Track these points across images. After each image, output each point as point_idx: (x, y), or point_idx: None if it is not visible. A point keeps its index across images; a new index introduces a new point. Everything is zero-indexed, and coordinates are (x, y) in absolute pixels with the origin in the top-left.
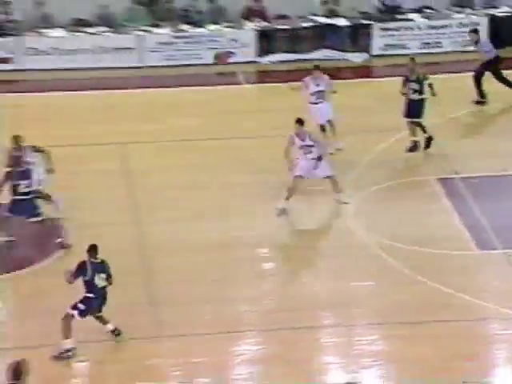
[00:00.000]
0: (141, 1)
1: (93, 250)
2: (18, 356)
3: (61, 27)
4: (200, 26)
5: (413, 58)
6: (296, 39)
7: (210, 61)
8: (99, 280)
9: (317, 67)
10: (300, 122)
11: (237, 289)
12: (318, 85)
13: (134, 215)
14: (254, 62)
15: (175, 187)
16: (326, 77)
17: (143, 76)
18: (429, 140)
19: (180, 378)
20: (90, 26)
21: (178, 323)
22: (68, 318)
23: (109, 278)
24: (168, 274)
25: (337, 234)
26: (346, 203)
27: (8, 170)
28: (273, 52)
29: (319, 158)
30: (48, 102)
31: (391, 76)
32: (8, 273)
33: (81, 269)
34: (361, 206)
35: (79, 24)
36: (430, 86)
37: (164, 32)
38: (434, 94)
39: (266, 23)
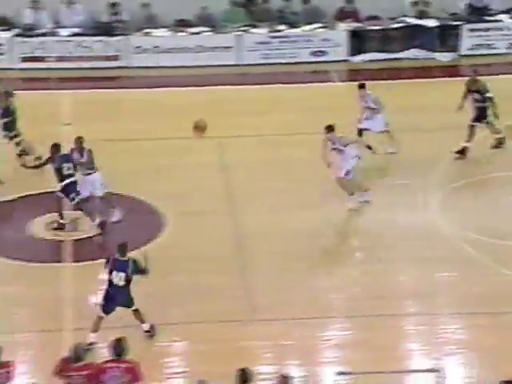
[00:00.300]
0: (239, 2)
1: (119, 248)
2: (119, 334)
3: (165, 27)
4: (295, 27)
5: (475, 70)
6: (386, 39)
7: (305, 59)
8: (116, 278)
9: (361, 86)
10: (329, 128)
11: (326, 277)
12: (366, 101)
13: (231, 206)
14: (346, 60)
15: (270, 179)
16: (371, 94)
17: (240, 73)
18: (465, 149)
19: (270, 360)
20: (192, 26)
21: (270, 308)
22: (97, 317)
23: (142, 272)
24: (261, 261)
25: (421, 227)
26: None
27: (50, 156)
28: (364, 51)
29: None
30: (151, 98)
31: (479, 75)
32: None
33: (106, 264)
34: (445, 200)
35: (182, 24)
36: (491, 99)
37: (261, 32)
38: (496, 116)
39: (357, 24)
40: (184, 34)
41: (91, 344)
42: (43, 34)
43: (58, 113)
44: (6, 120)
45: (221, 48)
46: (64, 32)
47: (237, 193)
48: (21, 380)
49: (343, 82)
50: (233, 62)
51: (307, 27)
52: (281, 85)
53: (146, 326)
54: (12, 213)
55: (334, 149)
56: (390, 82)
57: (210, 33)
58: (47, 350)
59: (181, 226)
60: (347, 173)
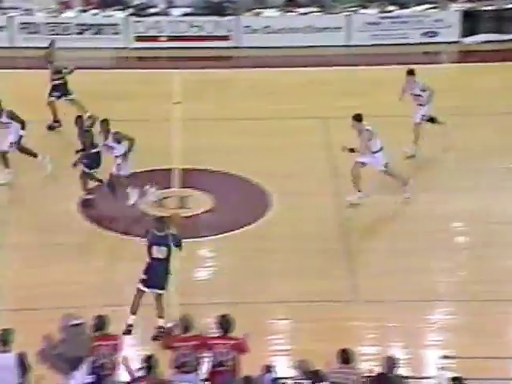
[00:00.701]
0: None
1: (157, 222)
2: (225, 311)
3: (274, 7)
4: (406, 7)
5: None
6: (501, 20)
7: (416, 40)
8: (158, 252)
9: (410, 72)
10: (356, 118)
11: (431, 260)
12: (412, 88)
13: (337, 186)
14: (458, 42)
15: None
16: (419, 82)
17: (349, 54)
18: None
19: (373, 341)
20: (301, 6)
21: (373, 290)
22: (138, 291)
23: (179, 246)
24: (365, 242)
25: None
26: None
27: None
28: (477, 32)
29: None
30: (260, 78)
31: None
32: (222, 234)
33: (145, 239)
34: None
35: (291, 4)
36: None
37: (371, 12)
38: None
39: (470, 4)
40: (293, 14)
41: (130, 326)
42: (156, 14)
43: (168, 91)
44: (56, 82)
45: (330, 28)
46: (176, 12)
47: (342, 173)
48: (130, 352)
49: (454, 63)
50: (342, 43)
51: (418, 7)
52: (389, 66)
53: (161, 322)
54: (122, 190)
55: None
56: (503, 63)
57: (319, 13)
58: (154, 323)
59: (287, 206)
60: (386, 165)
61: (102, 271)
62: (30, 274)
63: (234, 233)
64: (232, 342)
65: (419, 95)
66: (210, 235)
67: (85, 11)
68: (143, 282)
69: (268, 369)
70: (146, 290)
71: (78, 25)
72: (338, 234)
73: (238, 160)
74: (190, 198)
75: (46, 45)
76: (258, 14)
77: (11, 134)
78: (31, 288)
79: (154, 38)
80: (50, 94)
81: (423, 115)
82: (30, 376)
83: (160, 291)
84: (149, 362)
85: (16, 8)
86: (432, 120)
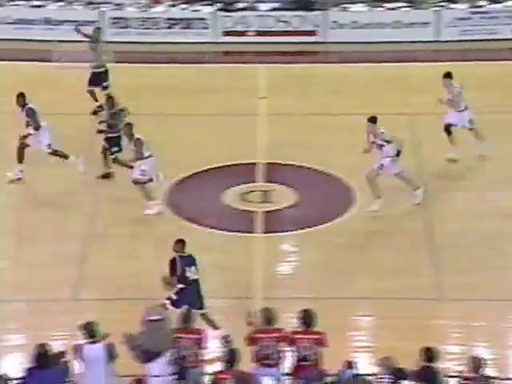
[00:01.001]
0: None
1: (179, 244)
2: (309, 305)
3: (362, 2)
4: (497, 2)
5: None
6: None
7: (507, 36)
8: (190, 273)
9: (446, 75)
10: (371, 120)
11: None
12: (449, 92)
13: (421, 183)
14: None
15: (461, 158)
16: (453, 87)
17: (438, 50)
18: None
19: (457, 340)
20: (389, 1)
21: (459, 287)
22: (163, 307)
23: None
24: (450, 240)
25: None
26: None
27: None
28: None
29: (397, 155)
30: (347, 73)
31: None
32: (305, 228)
33: (172, 267)
34: None
35: None
36: None
37: (461, 7)
38: None
39: None
40: (381, 9)
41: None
42: (244, 9)
43: (254, 86)
44: (96, 71)
45: (418, 24)
46: (264, 7)
47: (428, 170)
48: (213, 344)
49: None
50: (430, 39)
51: (510, 2)
52: (479, 62)
53: (220, 332)
54: (207, 183)
55: (373, 143)
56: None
57: (407, 8)
58: (238, 316)
59: (370, 202)
60: (381, 166)
61: None
62: (117, 264)
63: (318, 228)
64: (315, 336)
65: (452, 100)
66: (293, 230)
67: (174, 6)
68: (171, 300)
69: (349, 364)
70: (170, 307)
71: (167, 19)
72: (422, 230)
73: (322, 155)
74: (273, 193)
75: (136, 40)
76: (345, 9)
77: (43, 137)
78: (118, 278)
79: (241, 33)
80: (99, 85)
81: (470, 119)
82: (115, 365)
83: (199, 311)
84: (232, 356)
85: (107, 3)
86: (447, 129)
